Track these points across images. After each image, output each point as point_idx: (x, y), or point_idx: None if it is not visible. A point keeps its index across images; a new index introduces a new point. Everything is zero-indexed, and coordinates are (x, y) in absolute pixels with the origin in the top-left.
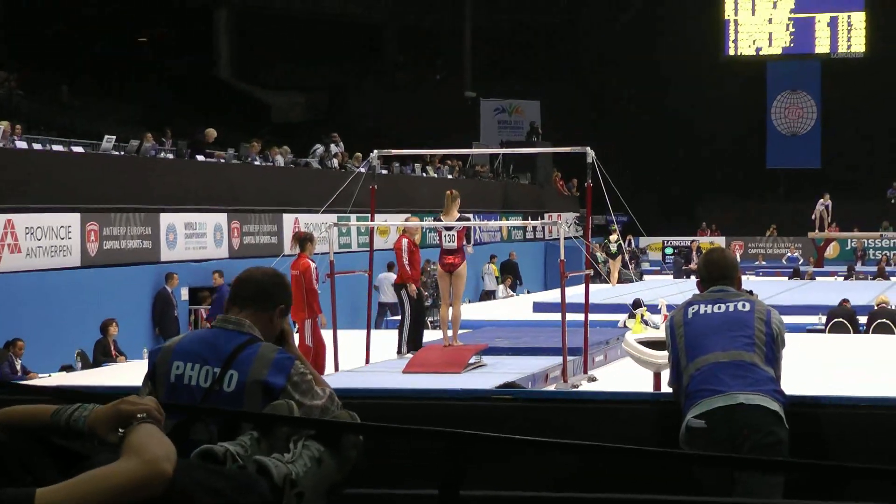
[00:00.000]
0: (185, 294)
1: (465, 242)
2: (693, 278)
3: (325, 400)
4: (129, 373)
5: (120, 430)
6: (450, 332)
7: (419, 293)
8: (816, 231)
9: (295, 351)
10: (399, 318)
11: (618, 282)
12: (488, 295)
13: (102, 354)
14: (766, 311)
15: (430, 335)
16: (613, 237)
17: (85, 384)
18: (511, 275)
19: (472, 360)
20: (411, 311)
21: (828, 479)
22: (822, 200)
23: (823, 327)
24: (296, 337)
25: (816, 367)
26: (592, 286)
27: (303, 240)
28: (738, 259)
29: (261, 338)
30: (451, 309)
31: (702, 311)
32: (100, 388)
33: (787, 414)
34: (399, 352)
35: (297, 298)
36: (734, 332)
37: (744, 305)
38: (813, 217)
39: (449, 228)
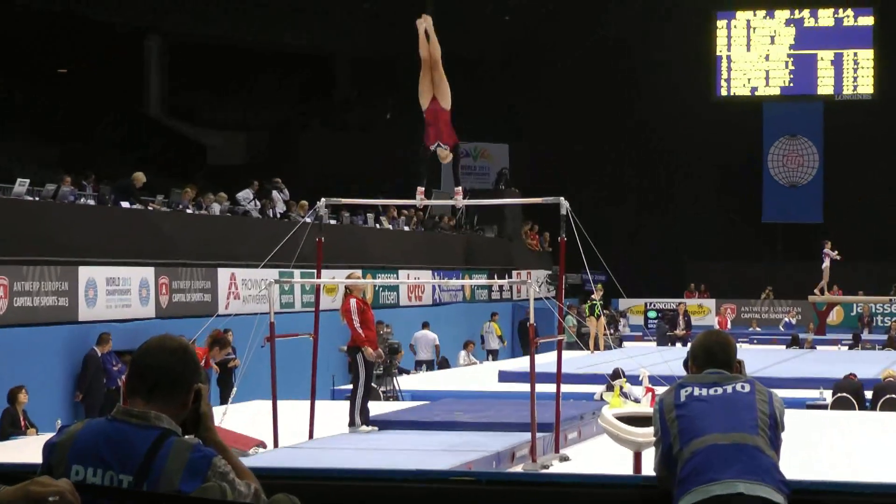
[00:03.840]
0: None
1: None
2: (679, 346)
3: (251, 499)
4: (41, 447)
5: None
6: None
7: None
8: (823, 288)
9: (216, 440)
10: (351, 386)
11: (596, 348)
12: (490, 354)
13: (10, 426)
14: (766, 392)
15: (378, 407)
16: (597, 294)
17: None
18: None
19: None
20: (365, 377)
21: None
22: (827, 251)
23: (826, 402)
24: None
25: (818, 447)
26: (568, 354)
27: (213, 342)
28: (730, 325)
29: (171, 428)
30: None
31: (696, 394)
32: (7, 466)
33: None
34: (352, 424)
35: None
36: (735, 414)
37: (743, 387)
38: (823, 266)
39: None
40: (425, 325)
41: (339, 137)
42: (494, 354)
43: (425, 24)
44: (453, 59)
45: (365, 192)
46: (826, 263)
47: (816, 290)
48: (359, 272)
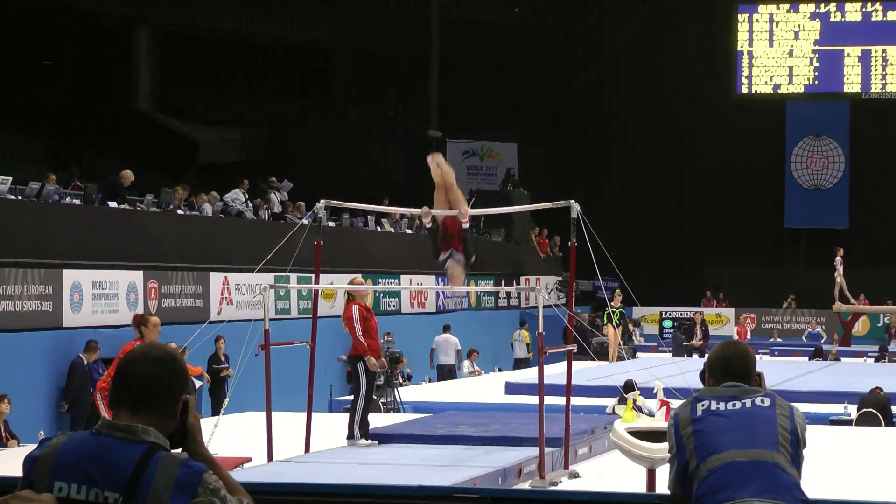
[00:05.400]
0: None
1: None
2: (695, 357)
3: None
4: (22, 460)
5: None
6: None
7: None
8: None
9: (204, 453)
10: (350, 397)
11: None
12: (519, 364)
13: None
14: (787, 406)
15: (378, 420)
16: (617, 302)
17: None
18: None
19: None
20: (367, 388)
21: None
22: (839, 258)
23: (850, 418)
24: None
25: (842, 464)
26: (578, 365)
27: (137, 322)
28: (750, 335)
29: (159, 442)
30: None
31: (713, 408)
32: None
33: None
34: (350, 437)
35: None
36: (754, 429)
37: (762, 401)
38: (836, 277)
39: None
40: (446, 329)
41: (338, 135)
42: (525, 363)
43: (436, 159)
44: (458, 59)
45: (366, 191)
46: (839, 270)
47: (837, 301)
48: (361, 277)
